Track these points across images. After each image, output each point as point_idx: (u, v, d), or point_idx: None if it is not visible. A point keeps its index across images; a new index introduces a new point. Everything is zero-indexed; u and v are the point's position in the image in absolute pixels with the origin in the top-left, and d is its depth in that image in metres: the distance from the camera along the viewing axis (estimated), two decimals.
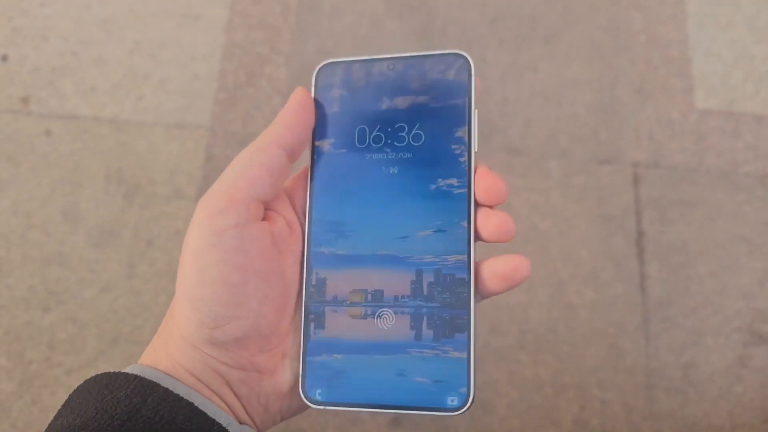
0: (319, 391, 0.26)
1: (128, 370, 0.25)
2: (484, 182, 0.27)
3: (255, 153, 0.26)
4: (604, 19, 0.62)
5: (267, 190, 0.26)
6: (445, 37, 0.61)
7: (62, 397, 0.48)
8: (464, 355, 0.26)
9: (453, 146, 0.28)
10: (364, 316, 0.27)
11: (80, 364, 0.49)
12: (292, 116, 0.27)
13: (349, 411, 0.24)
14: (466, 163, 0.28)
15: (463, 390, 0.26)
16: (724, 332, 0.52)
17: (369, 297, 0.27)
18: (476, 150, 0.27)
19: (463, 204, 0.27)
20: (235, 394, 0.26)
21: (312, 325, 0.27)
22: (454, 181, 0.27)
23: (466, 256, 0.27)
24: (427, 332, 0.27)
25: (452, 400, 0.26)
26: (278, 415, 0.28)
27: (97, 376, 0.25)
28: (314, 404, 0.26)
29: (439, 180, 0.28)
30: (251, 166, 0.26)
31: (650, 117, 0.58)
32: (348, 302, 0.27)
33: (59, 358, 0.49)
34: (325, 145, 0.29)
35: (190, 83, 0.56)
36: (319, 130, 0.29)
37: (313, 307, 0.27)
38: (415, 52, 0.28)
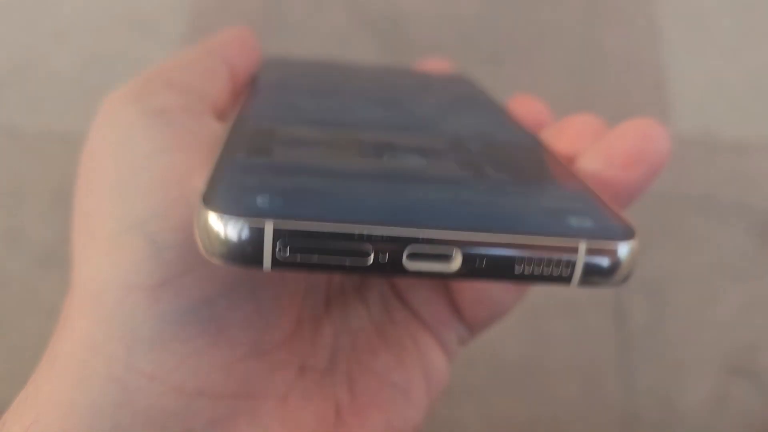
0: (261, 194, 0.11)
1: None
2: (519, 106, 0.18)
3: (198, 50, 0.17)
4: (579, 43, 0.62)
5: (224, 92, 0.16)
6: (415, 58, 0.60)
7: None
8: (581, 185, 0.14)
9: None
10: (362, 154, 0.14)
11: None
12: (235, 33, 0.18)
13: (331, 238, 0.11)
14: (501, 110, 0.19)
15: (614, 222, 0.13)
16: (702, 364, 0.51)
17: (370, 149, 0.15)
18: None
19: (502, 116, 0.18)
20: None
21: (245, 147, 0.14)
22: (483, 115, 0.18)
23: (527, 134, 0.17)
24: (499, 168, 0.15)
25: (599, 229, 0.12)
26: None
27: None
28: (244, 215, 0.11)
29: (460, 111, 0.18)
30: (200, 56, 0.17)
31: None
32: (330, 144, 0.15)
33: None
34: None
35: None
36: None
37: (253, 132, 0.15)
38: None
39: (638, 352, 0.51)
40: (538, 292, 0.51)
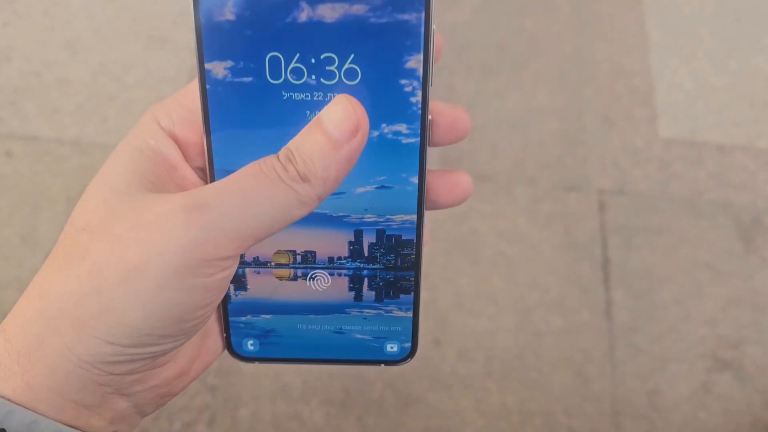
0: (248, 345, 0.24)
1: None
2: (444, 118, 0.22)
3: (294, 202, 0.19)
4: (570, 50, 0.63)
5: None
6: None
7: None
8: (409, 314, 0.25)
9: (402, 81, 0.21)
10: (294, 278, 0.24)
11: None
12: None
13: (283, 366, 0.23)
14: (419, 104, 0.21)
15: (407, 345, 0.25)
16: (688, 358, 0.52)
17: (298, 258, 0.24)
18: (432, 85, 0.21)
19: (413, 156, 0.22)
20: (125, 396, 0.20)
21: (231, 287, 0.24)
22: (402, 128, 0.21)
23: (415, 216, 0.23)
24: (369, 293, 0.24)
25: (393, 352, 0.25)
26: (181, 385, 0.23)
27: None
28: (244, 360, 0.25)
29: (383, 126, 0.21)
30: (285, 215, 0.19)
31: (615, 145, 0.59)
32: (273, 263, 0.24)
33: None
34: (221, 70, 0.21)
35: None
36: (210, 47, 0.20)
37: None
38: None
39: (627, 345, 0.52)
40: (532, 291, 0.52)
